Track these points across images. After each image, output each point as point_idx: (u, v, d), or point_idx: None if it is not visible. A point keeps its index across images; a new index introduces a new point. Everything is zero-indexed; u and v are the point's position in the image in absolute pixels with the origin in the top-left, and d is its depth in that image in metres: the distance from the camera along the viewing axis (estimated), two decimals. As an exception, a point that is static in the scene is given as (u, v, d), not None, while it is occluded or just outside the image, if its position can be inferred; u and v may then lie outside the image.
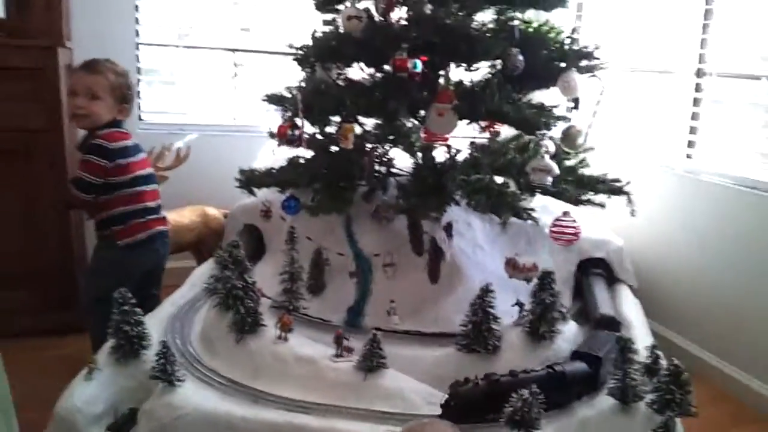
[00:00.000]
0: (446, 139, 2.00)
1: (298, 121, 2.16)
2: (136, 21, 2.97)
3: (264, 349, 1.79)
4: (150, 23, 3.04)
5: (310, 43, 2.22)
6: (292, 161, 2.27)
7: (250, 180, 2.29)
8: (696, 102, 2.66)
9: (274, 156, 2.33)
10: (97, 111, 2.18)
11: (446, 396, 1.57)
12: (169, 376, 1.68)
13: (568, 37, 2.05)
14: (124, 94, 2.24)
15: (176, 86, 3.20)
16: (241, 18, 3.19)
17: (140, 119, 3.08)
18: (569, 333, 1.86)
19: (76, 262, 2.68)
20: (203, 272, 2.33)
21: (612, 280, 2.35)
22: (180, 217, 2.69)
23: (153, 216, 2.30)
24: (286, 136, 2.16)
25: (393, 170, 2.27)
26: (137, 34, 2.99)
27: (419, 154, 2.18)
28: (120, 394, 1.78)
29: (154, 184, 2.34)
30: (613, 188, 2.06)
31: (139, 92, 3.05)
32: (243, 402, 1.66)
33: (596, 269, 2.33)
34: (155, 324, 1.97)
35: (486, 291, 1.80)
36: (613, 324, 1.96)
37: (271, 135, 2.26)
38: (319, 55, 2.17)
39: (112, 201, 2.20)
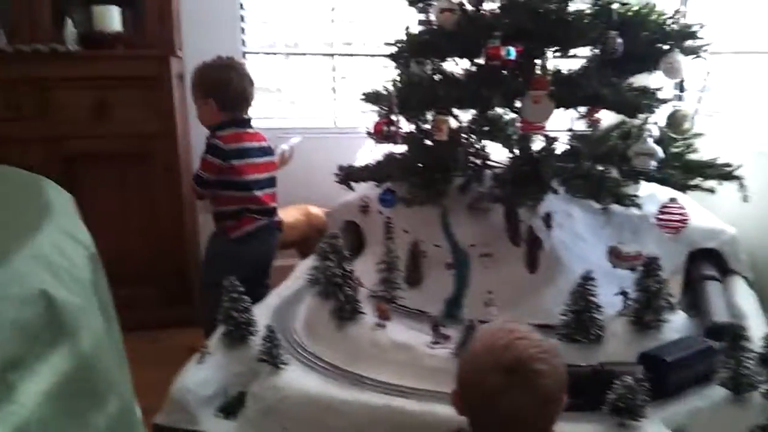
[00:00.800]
0: (543, 128, 1.97)
1: (394, 117, 2.21)
2: (242, 31, 3.13)
3: (363, 336, 1.83)
4: (254, 33, 3.20)
5: (404, 39, 2.26)
6: (388, 156, 2.32)
7: (349, 175, 2.36)
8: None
9: (371, 153, 2.39)
10: (200, 114, 2.35)
11: None
12: (275, 359, 1.75)
13: (670, 18, 1.97)
14: (205, 90, 2.32)
15: (280, 92, 3.34)
16: (339, 23, 3.29)
17: (247, 125, 3.24)
18: (677, 323, 1.77)
19: (191, 260, 2.85)
20: (307, 266, 2.41)
21: (725, 271, 2.22)
22: (285, 215, 2.80)
23: (264, 213, 2.42)
24: (382, 132, 2.21)
25: (488, 161, 2.27)
26: (243, 43, 3.15)
27: (516, 147, 2.17)
28: (230, 377, 1.87)
29: (270, 188, 2.45)
30: (723, 173, 1.95)
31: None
32: (343, 385, 1.70)
33: (708, 261, 2.20)
34: (262, 312, 2.06)
35: (587, 278, 1.74)
36: (726, 332, 1.83)
37: (369, 133, 2.32)
38: (413, 50, 2.20)
39: (225, 198, 2.35)
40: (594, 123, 2.16)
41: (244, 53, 3.16)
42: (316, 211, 2.90)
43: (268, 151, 2.44)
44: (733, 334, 1.55)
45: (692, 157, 2.05)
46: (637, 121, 2.03)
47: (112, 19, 2.58)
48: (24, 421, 0.63)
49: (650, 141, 1.82)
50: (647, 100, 1.83)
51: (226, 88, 2.32)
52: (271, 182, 2.46)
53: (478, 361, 1.06)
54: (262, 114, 3.31)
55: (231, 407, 1.79)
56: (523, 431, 1.06)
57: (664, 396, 1.57)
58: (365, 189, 2.46)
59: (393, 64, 2.38)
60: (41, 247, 0.71)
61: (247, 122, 2.39)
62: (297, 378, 1.74)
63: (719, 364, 1.58)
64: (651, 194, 2.09)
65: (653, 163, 1.81)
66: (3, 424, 0.61)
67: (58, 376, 0.67)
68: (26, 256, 0.67)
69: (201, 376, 1.82)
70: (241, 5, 3.13)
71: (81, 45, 2.54)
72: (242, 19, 3.14)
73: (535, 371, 1.02)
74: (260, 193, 2.40)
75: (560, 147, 2.04)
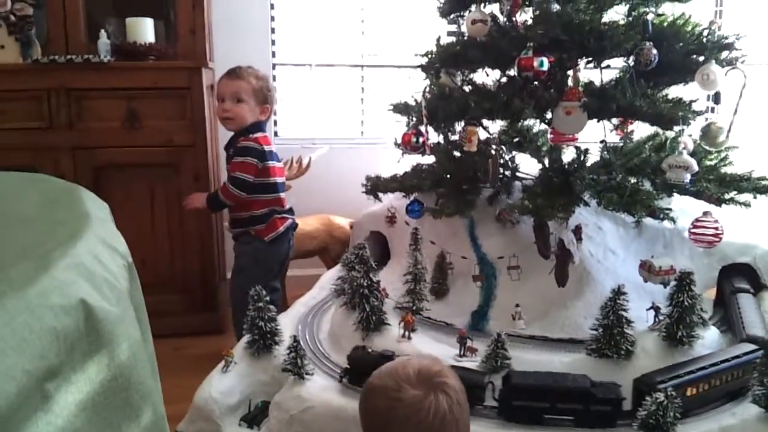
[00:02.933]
0: (575, 139, 1.95)
1: (422, 129, 2.20)
2: (272, 43, 3.16)
3: (388, 347, 1.82)
4: (284, 45, 3.22)
5: (435, 50, 2.26)
6: (417, 167, 2.31)
7: (376, 186, 2.36)
8: None
9: (399, 164, 2.39)
10: (242, 113, 2.35)
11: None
12: (299, 369, 1.75)
13: (705, 29, 1.93)
14: (265, 96, 2.40)
15: (308, 103, 3.35)
16: (369, 35, 3.30)
17: (276, 135, 3.26)
18: (710, 339, 1.73)
19: (217, 269, 2.87)
20: (332, 276, 2.41)
21: (758, 287, 2.17)
22: (304, 224, 2.83)
23: (289, 213, 2.49)
24: (410, 144, 2.21)
25: (518, 173, 2.25)
26: (273, 54, 3.17)
27: (546, 159, 2.15)
28: (254, 386, 1.87)
29: (284, 192, 2.50)
30: (759, 186, 1.90)
31: (275, 110, 3.23)
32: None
33: (740, 276, 2.15)
34: (287, 323, 2.06)
35: (618, 293, 1.71)
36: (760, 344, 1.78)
37: (397, 144, 2.32)
38: (444, 61, 2.19)
39: (255, 202, 2.38)
40: (627, 135, 2.13)
41: (273, 65, 3.18)
42: (339, 221, 2.90)
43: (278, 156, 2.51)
44: (766, 351, 1.51)
45: (727, 170, 2.01)
46: (671, 133, 2.00)
47: (145, 30, 2.62)
48: (59, 431, 0.63)
49: (685, 153, 1.79)
50: (682, 111, 1.80)
51: (274, 94, 2.53)
52: (284, 185, 2.53)
53: (385, 389, 1.10)
54: (289, 124, 3.34)
55: (254, 417, 1.80)
56: None
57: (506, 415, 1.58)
58: (392, 199, 2.46)
59: (422, 75, 2.38)
60: (81, 256, 0.71)
61: (264, 122, 2.46)
62: (321, 389, 1.74)
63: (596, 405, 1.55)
64: (682, 209, 2.06)
65: (688, 176, 1.78)
66: (38, 434, 0.61)
67: (95, 387, 0.67)
68: (66, 265, 0.68)
69: (225, 384, 1.82)
70: (272, 17, 3.16)
71: (114, 56, 2.57)
72: (273, 31, 3.16)
73: (437, 374, 1.11)
74: (283, 194, 2.48)
75: (592, 159, 2.02)
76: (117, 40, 2.62)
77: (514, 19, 2.01)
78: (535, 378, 1.61)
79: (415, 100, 2.33)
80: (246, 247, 2.44)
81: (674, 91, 2.00)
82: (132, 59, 2.60)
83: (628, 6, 1.98)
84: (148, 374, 0.76)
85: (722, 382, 1.62)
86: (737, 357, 1.64)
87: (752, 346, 1.69)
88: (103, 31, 2.55)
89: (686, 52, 1.91)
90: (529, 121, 2.25)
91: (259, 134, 2.37)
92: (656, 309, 1.80)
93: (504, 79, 2.15)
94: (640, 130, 2.18)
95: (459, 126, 2.23)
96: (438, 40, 2.24)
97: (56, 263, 0.66)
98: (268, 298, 1.92)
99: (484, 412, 1.61)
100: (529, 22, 1.97)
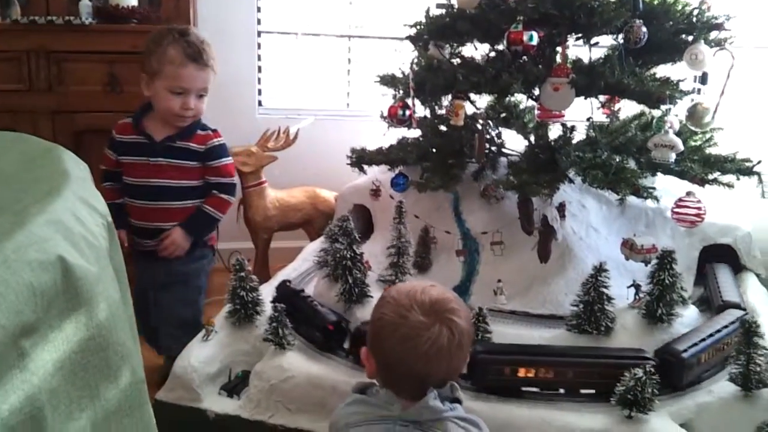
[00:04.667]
0: (562, 116, 1.94)
1: (409, 101, 2.18)
2: (258, 9, 3.10)
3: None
4: (270, 12, 3.16)
5: (423, 21, 2.23)
6: (402, 140, 2.29)
7: (361, 158, 2.34)
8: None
9: (385, 137, 2.37)
10: (202, 109, 2.01)
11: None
12: (281, 339, 1.75)
13: (695, 8, 1.93)
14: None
15: (294, 73, 3.30)
16: (357, 5, 3.25)
17: (260, 104, 3.22)
18: (689, 318, 1.76)
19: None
20: (315, 248, 2.39)
21: (738, 267, 2.20)
22: (289, 197, 2.81)
23: None
24: (397, 116, 2.19)
25: (504, 149, 2.24)
26: (258, 22, 3.12)
27: (532, 135, 2.14)
28: (234, 356, 1.87)
29: None
30: (742, 168, 1.92)
31: (259, 78, 3.19)
32: (347, 367, 1.70)
33: (721, 256, 2.18)
34: (269, 294, 2.05)
35: (600, 270, 1.72)
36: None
37: (383, 117, 2.30)
38: (432, 32, 2.16)
39: None
40: (613, 113, 2.13)
41: (259, 32, 3.13)
42: (324, 194, 2.88)
43: None
44: (745, 329, 1.54)
45: (711, 151, 2.03)
46: (657, 113, 2.00)
47: (128, -7, 2.55)
48: (35, 389, 0.61)
49: (671, 133, 1.80)
50: (669, 90, 1.80)
51: None
52: None
53: (397, 305, 1.12)
54: (274, 94, 3.29)
55: (235, 386, 1.80)
56: (439, 369, 1.11)
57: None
58: (377, 173, 2.44)
59: (410, 47, 2.35)
60: (59, 213, 0.69)
61: None
62: (302, 359, 1.74)
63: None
64: (665, 189, 2.07)
65: (673, 156, 1.79)
66: (13, 392, 0.59)
67: (72, 346, 0.66)
68: (44, 221, 0.66)
69: (205, 353, 1.81)
70: (257, -17, 3.10)
71: (96, 18, 2.51)
72: (258, -3, 3.10)
73: (450, 310, 1.12)
74: None
75: (578, 136, 2.02)
76: (99, 2, 2.55)
77: (504, -9, 1.98)
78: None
79: (403, 73, 2.30)
80: (203, 261, 2.14)
81: (662, 71, 2.00)
82: (114, 22, 2.53)
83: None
84: (127, 335, 0.75)
85: (724, 348, 1.69)
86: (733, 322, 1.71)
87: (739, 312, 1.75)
88: (84, -9, 2.49)
89: (675, 31, 1.91)
90: (517, 97, 2.25)
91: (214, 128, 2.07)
92: (637, 287, 1.81)
93: (493, 53, 2.13)
94: (627, 108, 2.18)
95: (446, 100, 2.21)
96: (427, 11, 2.21)
97: (33, 219, 0.64)
98: (249, 268, 1.91)
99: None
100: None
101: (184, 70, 1.92)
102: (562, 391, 1.62)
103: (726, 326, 1.72)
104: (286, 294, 1.98)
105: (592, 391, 1.61)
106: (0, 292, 0.56)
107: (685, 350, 1.61)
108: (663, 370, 1.57)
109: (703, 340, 1.65)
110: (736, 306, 1.80)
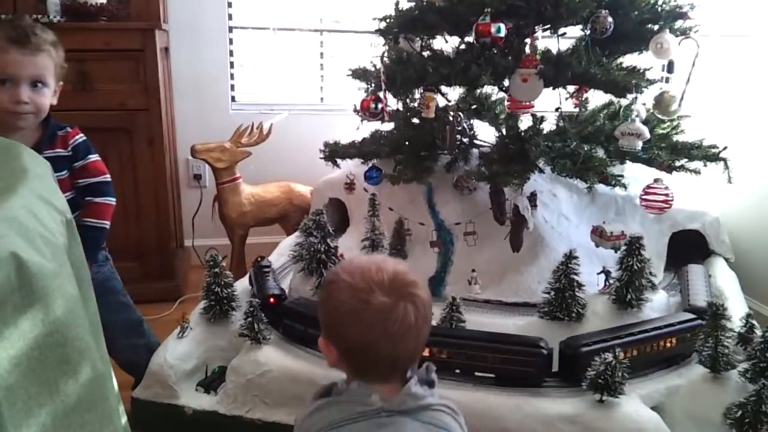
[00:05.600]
0: (531, 107, 1.96)
1: (381, 94, 2.19)
2: (229, 5, 3.08)
3: (345, 312, 1.82)
4: (241, 7, 3.15)
5: (393, 14, 2.23)
6: (375, 133, 2.30)
7: (334, 152, 2.34)
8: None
9: (358, 131, 2.37)
10: (46, 103, 1.67)
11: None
12: (256, 334, 1.75)
13: (661, -1, 1.95)
14: (62, 70, 1.73)
15: (267, 68, 3.29)
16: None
17: (233, 99, 3.20)
18: (658, 303, 1.78)
19: (174, 236, 2.83)
20: (290, 243, 2.39)
21: (706, 252, 2.24)
22: (265, 192, 2.81)
23: None
24: (369, 109, 2.19)
25: (475, 141, 2.25)
26: (230, 17, 3.10)
27: (503, 126, 2.16)
28: (210, 352, 1.87)
29: None
30: (708, 154, 1.95)
31: (232, 74, 3.17)
32: (324, 361, 1.71)
33: (690, 243, 2.21)
34: (244, 289, 2.05)
35: (570, 257, 1.75)
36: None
37: (356, 110, 2.30)
38: (402, 25, 2.17)
39: None
40: (582, 103, 2.15)
41: (230, 27, 3.11)
42: (299, 189, 2.89)
43: None
44: (712, 313, 1.56)
45: (678, 138, 2.05)
46: (624, 101, 2.03)
47: (97, -10, 2.53)
48: (-8, 387, 0.61)
49: (638, 121, 1.82)
50: (636, 79, 1.82)
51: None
52: None
53: (354, 289, 1.04)
54: (247, 89, 3.28)
55: (211, 382, 1.80)
56: (407, 346, 1.06)
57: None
58: (351, 166, 2.45)
59: (381, 40, 2.35)
60: (13, 210, 0.69)
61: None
62: (278, 353, 1.75)
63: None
64: (634, 177, 2.10)
65: (640, 144, 1.81)
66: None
67: (29, 342, 0.66)
68: (-4, 218, 0.66)
69: (181, 350, 1.81)
70: (229, -22, 3.08)
71: (64, 16, 2.48)
72: (229, -8, 3.08)
73: (410, 283, 1.05)
74: None
75: (547, 126, 2.04)
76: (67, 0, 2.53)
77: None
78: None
79: (374, 66, 2.30)
80: (107, 264, 1.96)
81: (629, 60, 2.02)
82: (83, 20, 2.51)
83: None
84: (86, 331, 0.75)
85: (652, 349, 1.66)
86: (670, 325, 1.69)
87: (689, 315, 1.74)
88: (52, -11, 2.46)
89: (641, 20, 1.93)
90: (487, 89, 2.26)
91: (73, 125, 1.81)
92: (607, 273, 1.84)
93: (462, 46, 2.14)
94: (595, 98, 2.20)
95: (417, 92, 2.22)
96: (396, 4, 2.21)
97: (-14, 216, 0.64)
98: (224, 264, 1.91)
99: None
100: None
101: (6, 55, 1.59)
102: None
103: (665, 326, 1.68)
104: (254, 267, 2.14)
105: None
106: (-50, 289, 0.56)
107: (586, 344, 1.59)
108: (563, 362, 1.59)
109: (619, 337, 1.62)
110: (701, 311, 1.74)
